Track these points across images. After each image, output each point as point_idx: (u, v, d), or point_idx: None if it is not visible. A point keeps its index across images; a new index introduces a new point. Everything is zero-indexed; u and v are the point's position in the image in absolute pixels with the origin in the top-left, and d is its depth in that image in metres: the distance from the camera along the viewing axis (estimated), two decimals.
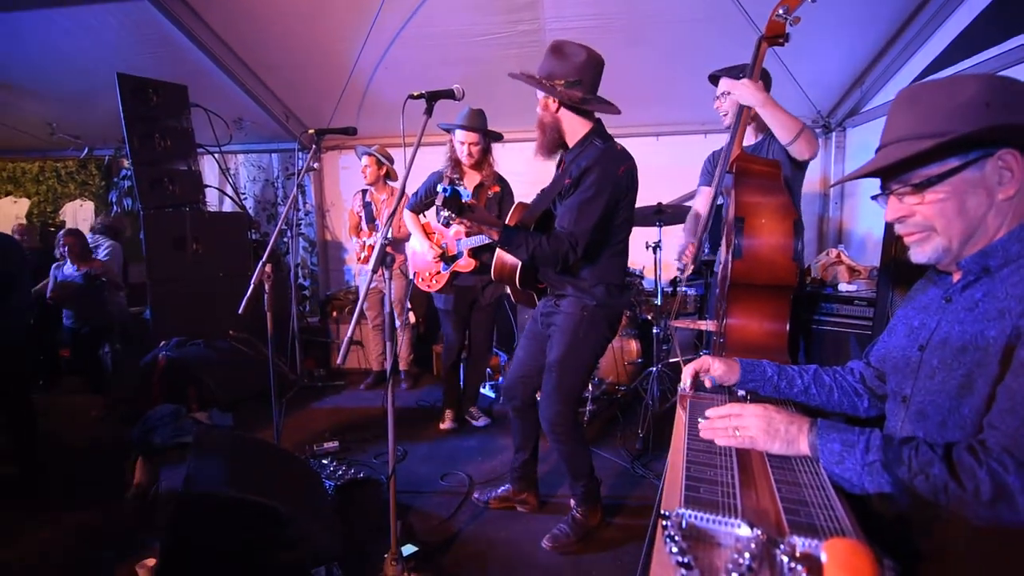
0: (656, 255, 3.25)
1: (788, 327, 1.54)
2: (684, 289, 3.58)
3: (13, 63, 4.23)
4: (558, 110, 1.93)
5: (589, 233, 1.86)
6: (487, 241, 2.94)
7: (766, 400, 1.14)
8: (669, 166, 4.73)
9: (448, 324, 3.25)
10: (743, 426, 0.98)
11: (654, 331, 3.24)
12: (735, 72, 2.19)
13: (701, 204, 2.55)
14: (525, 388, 2.23)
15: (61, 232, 4.05)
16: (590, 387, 3.25)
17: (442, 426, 3.34)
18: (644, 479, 2.61)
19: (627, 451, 2.89)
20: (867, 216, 4.25)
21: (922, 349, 0.97)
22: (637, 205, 3.98)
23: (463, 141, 2.89)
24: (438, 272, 3.11)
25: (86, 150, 5.36)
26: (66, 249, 3.98)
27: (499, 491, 2.42)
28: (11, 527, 2.29)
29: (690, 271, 2.32)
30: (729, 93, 2.15)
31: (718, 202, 2.22)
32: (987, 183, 0.88)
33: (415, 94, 1.71)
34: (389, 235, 1.61)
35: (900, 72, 3.82)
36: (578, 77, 1.87)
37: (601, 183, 1.85)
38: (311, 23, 3.70)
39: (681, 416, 1.16)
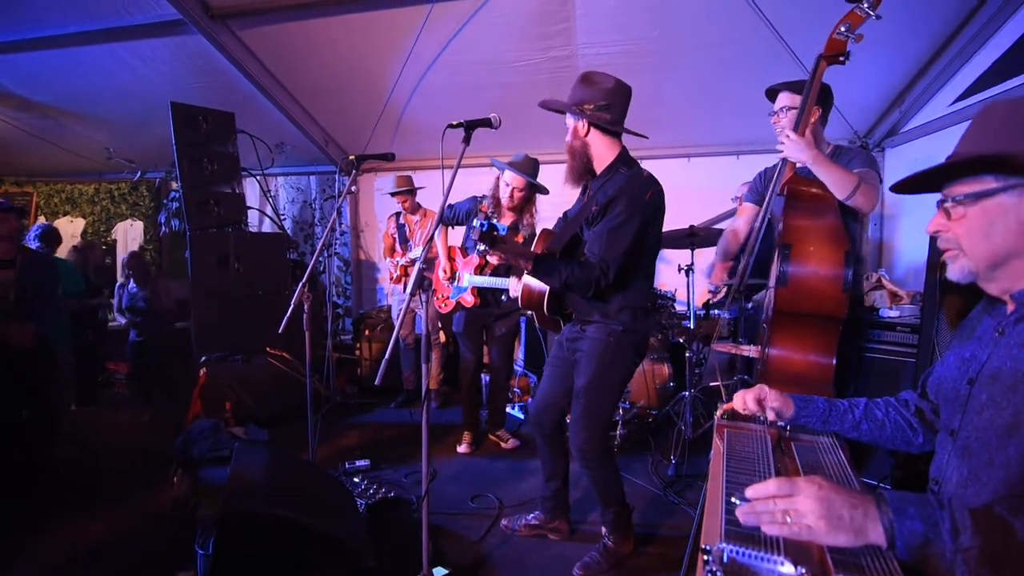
0: (689, 278, 3.22)
1: (835, 361, 1.48)
2: (717, 312, 3.52)
3: (75, 92, 4.53)
4: (587, 133, 1.96)
5: (620, 260, 1.88)
6: (495, 285, 3.00)
7: (812, 432, 1.10)
8: (701, 187, 4.72)
9: (463, 346, 3.29)
10: (797, 511, 0.77)
11: (687, 355, 3.19)
12: (796, 86, 2.11)
13: (743, 222, 2.45)
14: (552, 415, 2.23)
15: (125, 256, 4.32)
16: (620, 411, 3.21)
17: (459, 449, 3.32)
18: (677, 507, 2.56)
19: (659, 478, 2.84)
20: (909, 238, 4.12)
21: (971, 383, 0.94)
22: (668, 228, 3.98)
23: (509, 183, 2.93)
24: (447, 296, 3.19)
25: (139, 173, 5.66)
26: (131, 271, 4.25)
27: (529, 518, 2.39)
28: (51, 536, 2.37)
29: (723, 292, 2.25)
30: (791, 108, 2.05)
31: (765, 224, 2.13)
32: (1020, 212, 0.86)
33: (454, 124, 1.77)
34: (425, 260, 1.65)
35: (941, 91, 3.73)
36: (607, 101, 1.93)
37: (630, 210, 1.87)
38: (351, 52, 3.86)
39: (718, 445, 1.14)
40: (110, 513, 2.58)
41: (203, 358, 3.73)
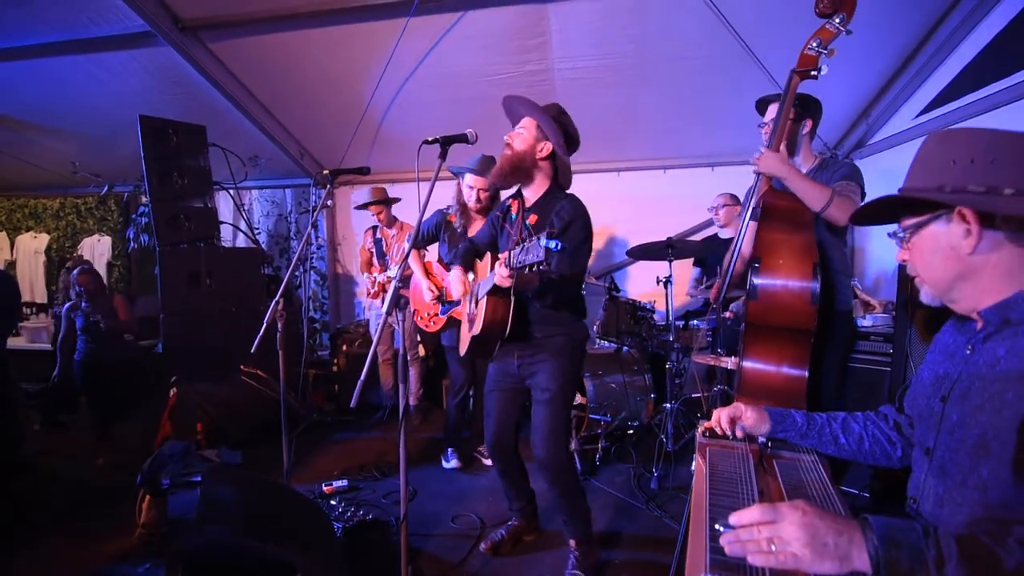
0: (667, 289, 3.23)
1: (807, 373, 1.50)
2: (695, 323, 3.55)
3: (39, 105, 4.40)
4: (545, 156, 2.04)
5: (583, 274, 2.08)
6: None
7: (794, 449, 1.10)
8: (676, 199, 4.78)
9: (454, 361, 3.22)
10: (781, 538, 0.76)
11: (667, 366, 3.20)
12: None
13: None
14: (512, 436, 2.28)
15: (75, 272, 4.08)
16: (602, 424, 3.19)
17: (445, 465, 3.29)
18: (660, 520, 2.54)
19: (642, 491, 2.82)
20: (878, 246, 4.22)
21: (944, 400, 0.95)
22: (646, 240, 4.02)
23: (472, 186, 2.92)
24: (436, 314, 3.11)
25: (106, 187, 5.50)
26: (83, 289, 4.02)
27: (508, 527, 2.42)
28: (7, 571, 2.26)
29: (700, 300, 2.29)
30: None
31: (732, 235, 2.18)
32: (951, 237, 0.91)
33: (430, 139, 1.75)
34: (401, 279, 1.62)
35: (906, 105, 3.85)
36: (569, 140, 2.09)
37: (585, 232, 2.02)
38: (327, 65, 3.82)
39: (701, 467, 1.13)
40: (73, 544, 2.46)
41: (173, 378, 3.62)
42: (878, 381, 2.33)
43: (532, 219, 2.06)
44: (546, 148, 2.04)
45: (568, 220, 1.97)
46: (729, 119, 4.26)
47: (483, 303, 2.00)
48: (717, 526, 0.83)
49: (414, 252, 3.18)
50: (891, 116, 4.01)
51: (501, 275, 1.78)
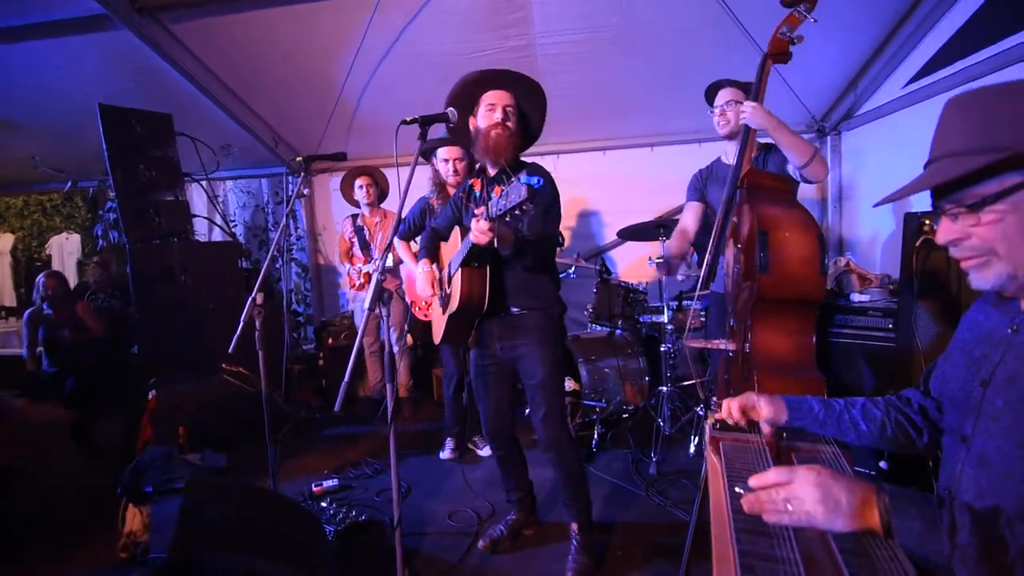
0: (661, 271, 3.15)
1: (815, 340, 1.49)
2: (688, 303, 3.49)
3: None
4: (520, 131, 1.98)
5: (556, 238, 2.03)
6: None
7: (813, 439, 1.03)
8: (664, 177, 4.68)
9: (447, 351, 3.14)
10: (795, 497, 0.80)
11: (662, 348, 3.14)
12: (742, 85, 2.17)
13: (691, 221, 2.61)
14: (510, 423, 2.23)
15: (41, 275, 3.87)
16: (597, 409, 3.13)
17: (442, 455, 3.23)
18: (662, 508, 2.50)
19: (641, 477, 2.78)
20: (867, 221, 4.19)
21: (984, 384, 0.87)
22: (633, 218, 3.92)
23: (447, 159, 2.81)
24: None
25: (69, 183, 5.25)
26: (49, 294, 3.82)
27: (507, 521, 2.34)
28: None
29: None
30: (738, 102, 2.15)
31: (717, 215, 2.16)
32: None
33: (408, 120, 1.63)
34: (383, 271, 1.51)
35: (894, 74, 3.78)
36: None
37: (553, 194, 1.95)
38: (297, 46, 3.63)
39: (715, 464, 1.05)
40: (55, 554, 2.36)
41: (151, 380, 3.47)
42: (879, 357, 2.28)
43: (497, 191, 1.95)
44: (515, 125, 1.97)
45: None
46: None
47: (457, 277, 1.91)
48: (737, 488, 0.87)
49: (404, 245, 3.07)
50: (880, 85, 3.94)
51: (480, 229, 1.66)
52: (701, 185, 2.58)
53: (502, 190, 1.53)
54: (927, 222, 1.82)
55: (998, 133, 0.78)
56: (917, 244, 1.81)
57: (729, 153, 2.16)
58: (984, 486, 0.83)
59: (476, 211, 1.69)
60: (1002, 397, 0.83)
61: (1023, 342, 0.84)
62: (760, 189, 1.78)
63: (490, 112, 1.92)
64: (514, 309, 1.99)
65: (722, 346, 1.93)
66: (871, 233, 4.12)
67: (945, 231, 0.86)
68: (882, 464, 1.77)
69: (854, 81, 4.03)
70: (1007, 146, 0.77)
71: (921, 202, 2.20)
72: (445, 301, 2.09)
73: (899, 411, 1.10)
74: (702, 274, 2.20)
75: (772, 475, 0.83)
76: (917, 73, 3.61)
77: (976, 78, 3.07)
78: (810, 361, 1.56)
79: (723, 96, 2.31)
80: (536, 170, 1.89)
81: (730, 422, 1.17)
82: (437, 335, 2.16)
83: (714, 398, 2.06)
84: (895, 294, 2.33)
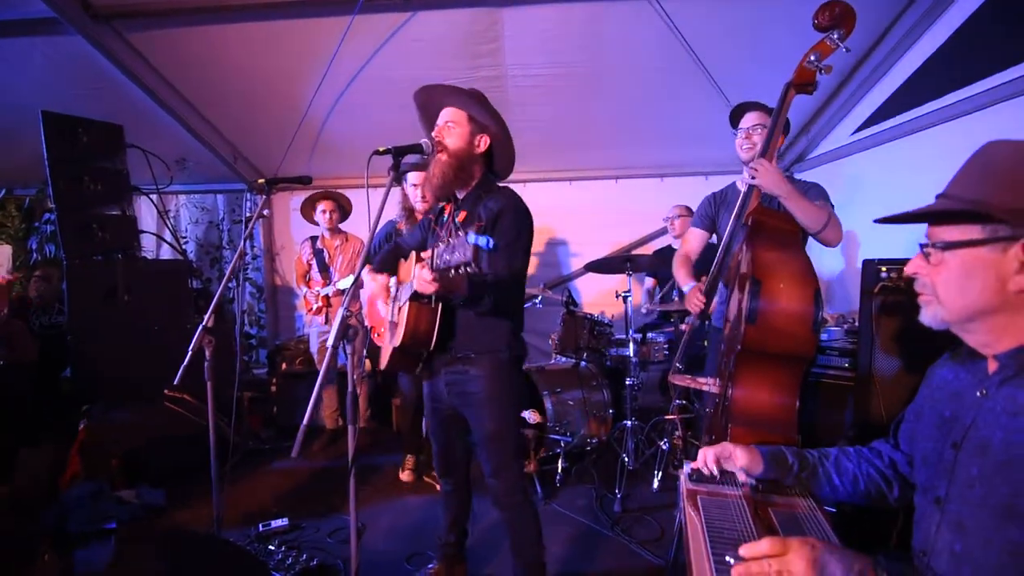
0: (626, 304, 3.18)
1: (798, 403, 1.44)
2: (652, 336, 3.52)
3: None
4: (484, 151, 1.82)
5: (520, 274, 1.81)
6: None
7: (788, 493, 1.02)
8: (627, 209, 4.81)
9: (405, 379, 3.05)
10: (788, 571, 0.78)
11: (627, 381, 3.14)
12: (764, 107, 2.08)
13: (694, 248, 2.42)
14: (465, 461, 2.07)
15: None
16: (561, 443, 3.09)
17: (402, 476, 3.15)
18: (627, 547, 2.45)
19: (605, 514, 2.73)
20: (816, 262, 4.37)
21: (956, 447, 0.88)
22: (597, 247, 3.91)
23: (416, 184, 2.76)
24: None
25: (3, 191, 4.90)
26: None
27: (428, 569, 2.23)
28: None
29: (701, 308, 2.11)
30: (764, 126, 1.98)
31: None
32: (1001, 268, 0.81)
33: (381, 150, 1.57)
34: (348, 306, 1.43)
35: (844, 121, 4.02)
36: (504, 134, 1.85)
37: (519, 224, 1.74)
38: (263, 62, 3.54)
39: (694, 519, 1.03)
40: None
41: (84, 408, 3.21)
42: (834, 395, 2.34)
43: (461, 216, 1.82)
44: (484, 142, 1.80)
45: (497, 211, 1.70)
46: (679, 131, 4.31)
47: (405, 309, 1.74)
48: (728, 558, 0.85)
49: (370, 272, 2.98)
50: (831, 130, 4.17)
51: (423, 279, 1.52)
52: (712, 212, 2.40)
53: (448, 243, 1.42)
54: (883, 268, 1.88)
55: (986, 187, 0.82)
56: (875, 290, 1.86)
57: (746, 179, 1.99)
58: (959, 551, 0.83)
59: (423, 254, 1.57)
60: (976, 465, 0.83)
61: (993, 407, 0.85)
62: (764, 230, 1.65)
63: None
64: (461, 352, 1.81)
65: (705, 387, 1.86)
66: (822, 274, 4.31)
67: (912, 263, 0.91)
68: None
69: (806, 126, 4.26)
70: (980, 200, 0.80)
71: (878, 248, 2.28)
72: (392, 329, 1.91)
73: (870, 463, 1.10)
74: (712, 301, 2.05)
75: (765, 546, 0.81)
76: (864, 122, 3.84)
77: (919, 130, 3.29)
78: (790, 421, 1.45)
79: (750, 119, 2.14)
80: (505, 196, 1.77)
81: (705, 472, 1.15)
82: (383, 361, 1.99)
83: (704, 436, 1.94)
84: (851, 334, 2.41)
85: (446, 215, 1.94)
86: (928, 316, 0.91)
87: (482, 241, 1.36)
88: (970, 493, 0.83)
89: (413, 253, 1.96)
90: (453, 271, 1.39)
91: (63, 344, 3.73)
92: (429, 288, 1.55)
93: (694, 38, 3.24)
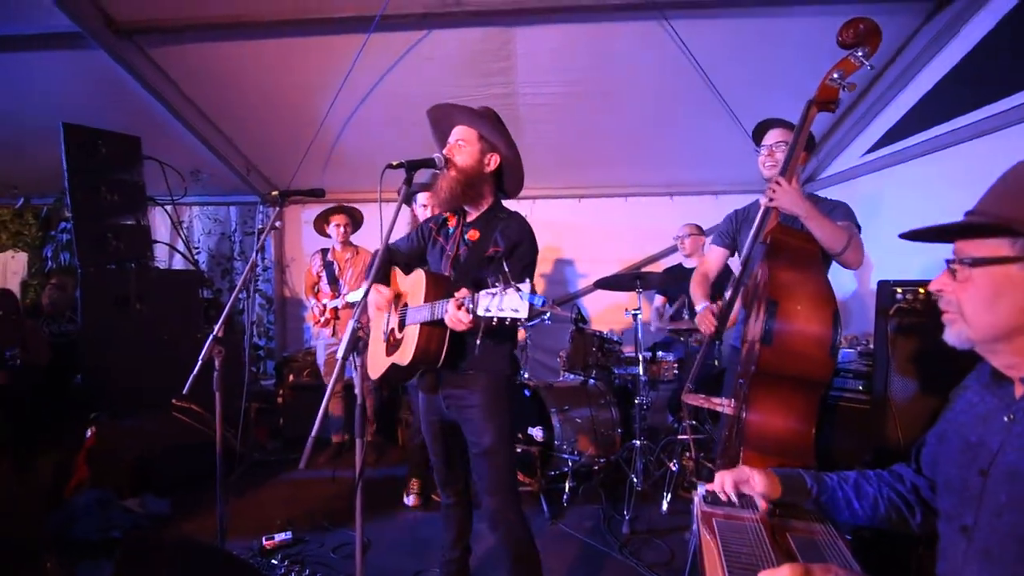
0: (636, 321, 3.16)
1: (814, 429, 1.40)
2: (662, 355, 3.49)
3: None
4: (493, 170, 1.85)
5: None
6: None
7: (806, 518, 0.99)
8: (638, 226, 4.81)
9: (418, 396, 3.02)
10: None
11: (636, 400, 3.11)
12: (787, 124, 2.07)
13: (712, 267, 2.41)
14: (463, 474, 2.04)
15: None
16: (569, 462, 3.05)
17: (406, 500, 3.07)
18: (635, 571, 2.40)
19: (613, 536, 2.68)
20: (834, 279, 4.34)
21: (983, 474, 0.86)
22: (606, 264, 3.89)
23: (427, 204, 2.77)
24: None
25: (21, 200, 4.99)
26: None
27: None
28: None
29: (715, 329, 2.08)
30: (787, 143, 1.94)
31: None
32: None
33: (394, 164, 1.58)
34: (359, 319, 1.44)
35: (855, 143, 4.02)
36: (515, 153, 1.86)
37: (532, 254, 1.82)
38: (279, 77, 3.61)
39: (710, 543, 1.00)
40: None
41: (92, 415, 3.22)
42: (847, 418, 2.30)
43: (472, 235, 1.84)
44: (494, 160, 1.83)
45: (516, 241, 1.76)
46: (689, 150, 4.32)
47: (414, 331, 1.72)
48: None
49: (376, 286, 2.98)
50: (841, 152, 4.17)
51: (458, 320, 1.51)
52: (733, 229, 2.36)
53: (496, 290, 1.39)
54: (899, 290, 1.86)
55: (1016, 204, 0.80)
56: (891, 311, 1.83)
57: (763, 200, 1.95)
58: None
59: (458, 293, 1.55)
60: (1006, 492, 0.81)
61: (1020, 433, 0.83)
62: (782, 250, 1.61)
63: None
64: (464, 367, 1.82)
65: (719, 408, 1.83)
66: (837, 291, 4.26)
67: (937, 280, 0.89)
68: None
69: (818, 147, 4.25)
70: (1012, 217, 0.78)
71: (892, 270, 2.25)
72: (393, 346, 1.90)
73: (891, 488, 1.08)
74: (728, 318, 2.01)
75: (786, 572, 0.79)
76: (875, 144, 3.84)
77: (928, 152, 3.29)
78: (806, 448, 1.40)
79: (773, 136, 2.11)
80: (518, 223, 1.81)
81: (722, 497, 1.13)
82: (373, 371, 1.98)
83: (718, 460, 1.89)
84: (865, 356, 2.38)
85: (451, 227, 1.94)
86: (952, 335, 0.89)
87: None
88: (998, 522, 0.80)
89: (419, 272, 1.90)
90: (496, 321, 1.38)
91: (73, 351, 3.76)
92: (460, 328, 1.54)
93: (704, 57, 3.26)
